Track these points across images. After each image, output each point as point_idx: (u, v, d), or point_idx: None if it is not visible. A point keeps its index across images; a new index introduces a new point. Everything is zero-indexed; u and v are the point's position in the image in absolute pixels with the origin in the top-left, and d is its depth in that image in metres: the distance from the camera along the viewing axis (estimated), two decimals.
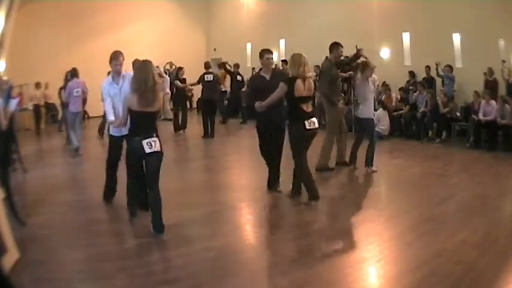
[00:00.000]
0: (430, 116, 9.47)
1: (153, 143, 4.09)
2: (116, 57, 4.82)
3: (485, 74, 9.12)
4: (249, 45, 15.21)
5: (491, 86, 8.91)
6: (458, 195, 5.45)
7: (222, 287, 3.24)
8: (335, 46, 6.59)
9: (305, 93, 4.88)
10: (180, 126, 10.98)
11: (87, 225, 4.49)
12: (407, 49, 10.86)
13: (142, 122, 4.09)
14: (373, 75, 6.71)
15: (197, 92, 12.62)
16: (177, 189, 6.04)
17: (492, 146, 8.31)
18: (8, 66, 5.86)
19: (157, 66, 10.90)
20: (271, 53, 5.55)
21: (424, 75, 10.35)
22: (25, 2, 11.28)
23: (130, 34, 15.03)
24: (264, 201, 5.26)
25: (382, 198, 5.65)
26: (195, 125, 12.04)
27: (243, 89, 14.03)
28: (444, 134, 9.43)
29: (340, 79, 6.85)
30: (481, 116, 8.52)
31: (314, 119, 4.94)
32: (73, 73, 8.79)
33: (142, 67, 4.10)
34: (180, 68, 11.23)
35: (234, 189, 6.05)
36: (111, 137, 5.00)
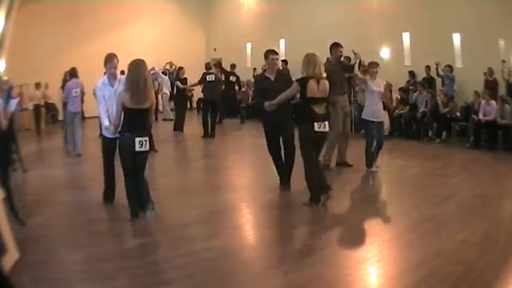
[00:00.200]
0: (430, 116, 9.47)
1: (144, 142, 4.33)
2: (110, 60, 4.83)
3: (485, 74, 9.13)
4: (249, 45, 15.21)
5: (491, 86, 8.91)
6: (458, 195, 5.45)
7: (222, 287, 3.24)
8: (334, 47, 6.57)
9: (318, 94, 4.75)
10: (175, 126, 10.95)
11: (87, 225, 4.49)
12: (407, 49, 10.87)
13: (134, 118, 4.28)
14: (378, 80, 6.48)
15: (197, 92, 12.64)
16: (177, 189, 6.06)
17: (492, 146, 8.31)
18: (8, 66, 5.86)
19: (153, 68, 10.91)
20: (276, 53, 5.56)
21: (424, 75, 10.36)
22: (25, 2, 11.27)
23: (131, 34, 15.03)
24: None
25: (382, 198, 5.66)
26: (194, 125, 12.05)
27: (243, 89, 14.11)
28: (444, 134, 9.43)
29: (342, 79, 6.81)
30: (481, 116, 8.52)
31: (326, 123, 4.80)
32: (72, 73, 8.79)
33: (134, 67, 4.24)
34: (181, 68, 11.22)
35: (234, 189, 6.05)
36: (104, 138, 4.98)
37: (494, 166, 7.19)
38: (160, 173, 7.00)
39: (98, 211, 4.94)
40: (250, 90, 14.05)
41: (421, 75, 10.51)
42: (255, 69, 14.10)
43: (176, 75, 11.33)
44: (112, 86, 4.85)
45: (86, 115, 12.53)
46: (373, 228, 4.39)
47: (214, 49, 17.06)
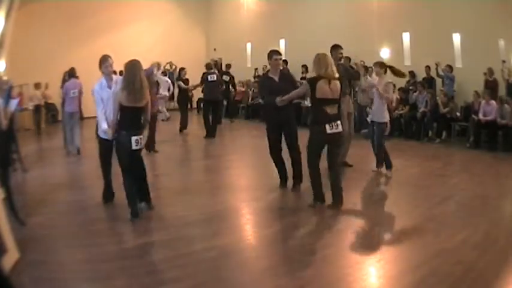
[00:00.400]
0: (430, 116, 9.47)
1: (139, 141, 4.47)
2: (105, 60, 4.87)
3: (485, 74, 9.12)
4: (249, 45, 15.21)
5: (491, 86, 8.91)
6: (458, 195, 5.45)
7: (222, 287, 3.24)
8: (334, 48, 6.54)
9: (329, 95, 4.63)
10: (180, 127, 10.95)
11: (87, 225, 4.49)
12: (407, 49, 10.86)
13: (130, 116, 4.40)
14: (384, 81, 6.34)
15: (197, 91, 12.62)
16: (177, 189, 6.05)
17: (492, 146, 8.31)
18: (8, 66, 5.87)
19: (158, 64, 10.78)
20: (280, 54, 5.56)
21: (424, 75, 10.35)
22: (25, 2, 11.27)
23: (130, 34, 15.03)
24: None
25: (382, 198, 5.65)
26: (195, 124, 12.05)
27: (243, 89, 14.10)
28: (444, 134, 9.43)
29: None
30: (481, 116, 8.52)
31: (338, 122, 4.70)
32: (71, 73, 8.82)
33: (130, 67, 4.38)
34: (182, 69, 11.18)
35: (235, 190, 6.06)
36: (100, 139, 4.98)
37: (494, 166, 7.19)
38: (161, 173, 7.00)
39: (98, 211, 4.94)
40: (250, 90, 14.06)
41: (421, 75, 10.50)
42: (256, 69, 14.08)
43: (178, 75, 11.30)
44: (110, 87, 4.86)
45: (85, 115, 12.53)
46: (373, 228, 4.39)
47: (214, 49, 17.06)
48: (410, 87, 10.35)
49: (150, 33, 15.66)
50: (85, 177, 6.90)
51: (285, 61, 12.75)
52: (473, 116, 8.74)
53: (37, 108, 11.86)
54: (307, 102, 11.33)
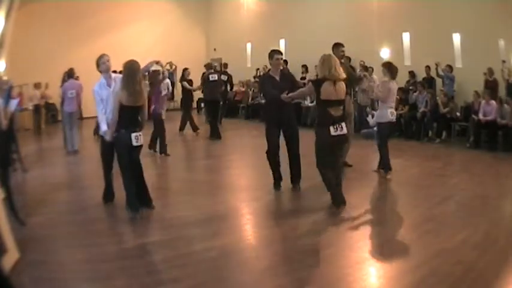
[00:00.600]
0: (430, 116, 9.47)
1: (139, 137, 4.56)
2: (101, 57, 4.93)
3: (485, 74, 9.12)
4: (249, 45, 15.21)
5: (491, 86, 8.91)
6: (458, 195, 5.45)
7: (222, 287, 3.24)
8: (336, 46, 6.53)
9: (334, 96, 4.61)
10: (181, 127, 10.92)
11: (87, 225, 4.49)
12: (407, 49, 10.86)
13: (129, 115, 4.50)
14: (389, 82, 6.25)
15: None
16: (177, 189, 6.06)
17: (492, 146, 8.31)
18: (8, 66, 5.88)
19: (158, 61, 10.69)
20: (281, 53, 5.57)
21: (424, 75, 10.35)
22: (25, 2, 11.29)
23: (131, 34, 15.04)
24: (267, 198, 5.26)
25: (382, 198, 5.65)
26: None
27: (243, 89, 14.09)
28: (444, 134, 9.43)
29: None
30: (481, 116, 8.52)
31: (342, 124, 4.66)
32: (69, 74, 8.85)
33: (129, 68, 4.46)
34: (186, 69, 11.12)
35: (235, 190, 6.06)
36: (102, 138, 4.97)
37: (494, 166, 7.19)
38: (161, 173, 7.01)
39: (98, 211, 4.94)
40: (250, 90, 14.06)
41: (421, 75, 10.50)
42: (258, 69, 14.04)
43: (182, 76, 11.24)
44: (109, 86, 4.87)
45: (85, 115, 12.54)
46: (373, 228, 4.39)
47: (214, 49, 17.08)
48: (410, 87, 10.35)
49: (150, 33, 15.66)
50: (85, 177, 6.90)
51: (285, 61, 12.73)
52: (473, 116, 8.74)
53: (36, 108, 11.86)
54: (307, 102, 11.37)
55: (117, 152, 4.64)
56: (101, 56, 4.94)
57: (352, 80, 6.72)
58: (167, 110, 13.33)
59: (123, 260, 3.63)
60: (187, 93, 10.91)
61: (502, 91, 8.91)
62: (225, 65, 13.62)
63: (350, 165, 6.79)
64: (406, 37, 10.81)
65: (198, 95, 12.94)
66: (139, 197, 4.67)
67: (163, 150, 8.01)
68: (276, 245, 4.06)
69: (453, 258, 3.51)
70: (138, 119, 4.61)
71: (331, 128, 4.62)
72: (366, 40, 11.18)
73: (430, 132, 9.56)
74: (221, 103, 10.78)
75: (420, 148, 8.82)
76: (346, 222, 4.54)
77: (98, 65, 4.93)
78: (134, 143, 4.49)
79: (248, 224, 4.69)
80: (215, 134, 9.98)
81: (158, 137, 8.07)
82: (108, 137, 4.64)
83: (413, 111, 9.76)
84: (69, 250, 3.88)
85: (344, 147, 5.14)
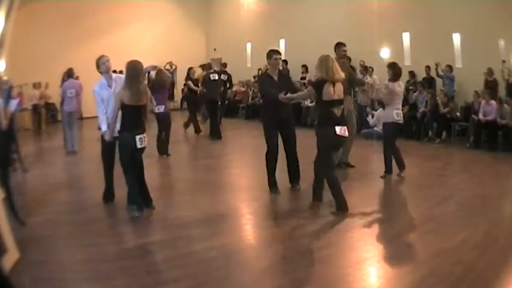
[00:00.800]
0: (430, 116, 9.47)
1: (143, 139, 4.54)
2: (101, 58, 4.93)
3: (485, 74, 9.12)
4: (249, 45, 15.21)
5: (491, 86, 8.91)
6: (458, 195, 5.45)
7: (222, 287, 3.24)
8: (338, 46, 6.52)
9: (335, 96, 4.65)
10: (186, 125, 10.91)
11: (87, 225, 4.49)
12: (407, 49, 10.86)
13: (132, 115, 4.47)
14: (393, 83, 6.13)
15: None
16: (177, 189, 6.06)
17: (492, 146, 8.31)
18: (8, 66, 5.87)
19: (156, 66, 10.70)
20: (279, 53, 5.56)
21: (424, 75, 10.36)
22: (25, 2, 11.29)
23: (131, 34, 15.04)
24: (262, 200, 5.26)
25: (382, 198, 5.65)
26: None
27: (243, 89, 14.06)
28: (444, 134, 9.43)
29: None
30: (481, 116, 8.52)
31: (345, 127, 4.71)
32: (69, 74, 8.86)
33: (132, 68, 4.45)
34: (191, 68, 11.07)
35: (235, 189, 6.06)
36: (102, 138, 4.96)
37: (494, 166, 7.20)
38: (161, 173, 7.01)
39: (98, 211, 4.94)
40: (250, 90, 14.06)
41: (421, 75, 10.50)
42: (260, 69, 14.00)
43: (187, 75, 11.20)
44: (110, 86, 4.87)
45: (85, 115, 12.51)
46: (373, 228, 4.39)
47: (214, 49, 17.07)
48: (410, 87, 10.34)
49: (150, 33, 15.66)
50: (85, 177, 6.90)
51: (285, 61, 12.75)
52: (473, 116, 8.74)
53: (35, 108, 11.86)
54: (307, 102, 11.36)
55: (120, 152, 4.61)
56: (101, 57, 4.94)
57: (353, 81, 6.73)
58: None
59: (123, 260, 3.63)
60: (192, 94, 10.81)
61: (502, 91, 8.92)
62: (224, 65, 13.58)
63: (352, 166, 6.76)
64: (406, 37, 10.81)
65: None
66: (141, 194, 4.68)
67: (164, 151, 8.00)
68: (276, 245, 4.06)
69: (453, 258, 3.51)
70: (141, 119, 4.58)
71: (337, 128, 4.65)
72: (366, 40, 11.18)
73: (430, 132, 9.56)
74: (219, 103, 10.72)
75: (420, 148, 8.82)
76: (346, 222, 4.54)
77: (98, 66, 4.93)
78: (139, 146, 4.47)
79: (248, 224, 4.69)
80: (215, 134, 9.96)
81: (164, 134, 8.01)
82: (107, 137, 4.65)
83: (413, 111, 9.75)
84: (69, 250, 3.87)
85: (340, 150, 5.14)
